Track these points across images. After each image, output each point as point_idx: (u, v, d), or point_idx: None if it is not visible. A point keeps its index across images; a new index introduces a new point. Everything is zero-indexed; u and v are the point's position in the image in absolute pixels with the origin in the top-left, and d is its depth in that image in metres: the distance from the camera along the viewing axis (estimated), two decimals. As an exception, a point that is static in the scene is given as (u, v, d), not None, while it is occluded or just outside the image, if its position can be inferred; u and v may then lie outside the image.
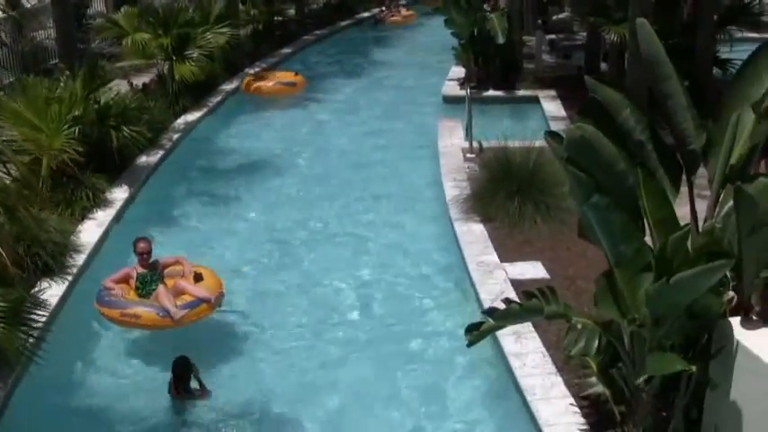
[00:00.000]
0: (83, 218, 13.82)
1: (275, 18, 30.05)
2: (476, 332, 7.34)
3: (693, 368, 6.55)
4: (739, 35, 20.13)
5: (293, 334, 11.05)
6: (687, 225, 6.76)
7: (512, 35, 21.53)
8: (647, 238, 7.15)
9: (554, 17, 29.36)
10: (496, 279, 11.34)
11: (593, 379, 8.24)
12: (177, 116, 19.82)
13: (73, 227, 13.32)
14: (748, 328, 6.69)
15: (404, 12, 35.95)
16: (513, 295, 10.08)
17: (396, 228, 14.27)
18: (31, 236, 11.41)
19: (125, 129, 15.61)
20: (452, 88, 22.03)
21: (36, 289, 11.16)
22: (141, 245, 11.00)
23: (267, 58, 26.80)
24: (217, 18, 22.03)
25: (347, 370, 10.23)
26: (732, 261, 6.17)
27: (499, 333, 9.01)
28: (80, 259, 12.40)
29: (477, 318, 10.03)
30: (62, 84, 15.66)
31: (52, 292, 11.28)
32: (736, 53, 18.79)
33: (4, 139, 9.24)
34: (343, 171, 17.26)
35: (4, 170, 8.49)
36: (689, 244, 6.70)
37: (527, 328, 9.79)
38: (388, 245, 13.62)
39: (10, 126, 13.48)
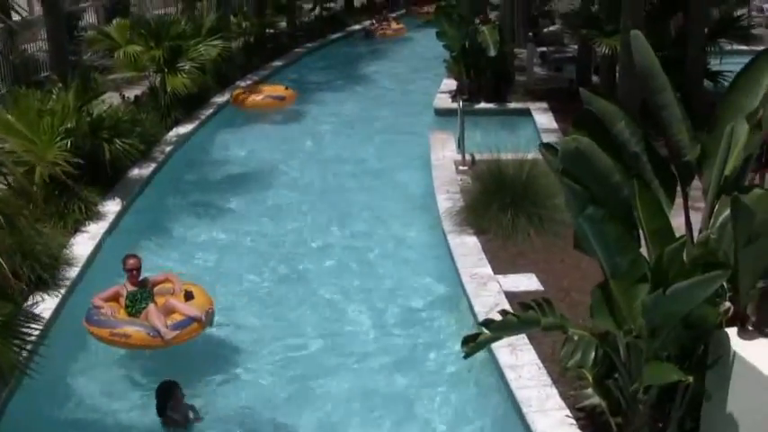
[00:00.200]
0: (75, 230, 13.77)
1: (267, 31, 30.21)
2: (472, 344, 7.32)
3: (690, 378, 6.55)
4: (729, 48, 20.27)
5: (288, 347, 11.01)
6: (683, 236, 6.79)
7: (503, 48, 21.63)
8: (643, 250, 7.17)
9: (545, 30, 29.53)
10: (490, 291, 11.33)
11: (589, 390, 8.22)
12: (169, 129, 19.85)
13: (65, 239, 13.27)
14: (745, 339, 6.70)
15: (394, 25, 36.13)
16: (507, 307, 10.06)
17: (389, 240, 14.26)
18: (24, 248, 11.35)
19: (118, 141, 15.59)
20: (444, 101, 22.11)
21: (30, 302, 11.09)
22: (131, 261, 10.88)
23: (259, 70, 26.91)
24: (209, 30, 22.09)
25: (342, 383, 10.18)
26: (728, 272, 6.19)
27: (494, 345, 8.98)
28: (73, 272, 12.33)
29: (472, 329, 10.14)
30: (54, 96, 15.64)
31: (45, 305, 11.20)
32: (727, 65, 19.00)
33: (6, 150, 9.20)
34: (335, 183, 17.31)
35: (5, 182, 8.45)
36: (684, 255, 6.72)
37: (522, 340, 9.77)
38: (381, 257, 13.62)
39: (2, 138, 13.43)
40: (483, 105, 21.48)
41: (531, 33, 28.22)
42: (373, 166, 18.36)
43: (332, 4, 38.87)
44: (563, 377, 9.09)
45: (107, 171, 15.58)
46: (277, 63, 28.68)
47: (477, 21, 22.43)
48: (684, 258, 6.70)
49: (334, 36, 34.83)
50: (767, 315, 6.81)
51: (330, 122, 22.21)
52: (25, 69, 21.83)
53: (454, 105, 19.42)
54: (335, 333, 11.37)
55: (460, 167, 16.32)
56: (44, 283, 11.69)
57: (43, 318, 10.63)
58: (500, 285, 11.50)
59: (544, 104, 21.00)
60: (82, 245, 13.29)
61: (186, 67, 20.11)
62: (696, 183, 7.74)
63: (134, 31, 20.68)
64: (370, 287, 12.62)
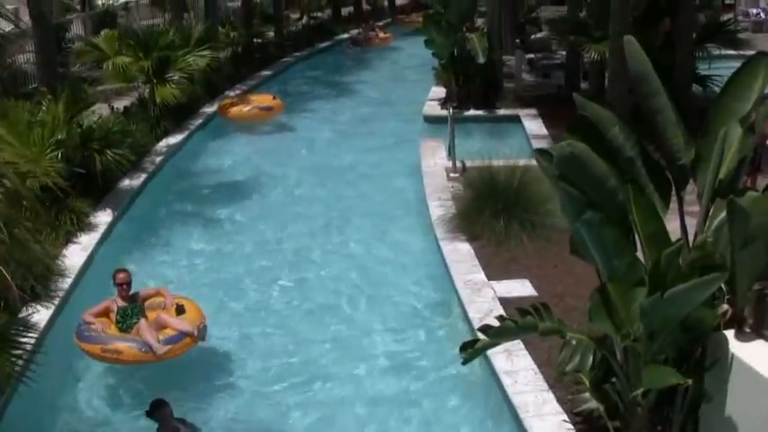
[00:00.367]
0: (67, 242, 13.73)
1: (254, 40, 30.22)
2: (470, 350, 7.35)
3: (690, 381, 6.57)
4: (717, 52, 20.38)
5: (282, 354, 11.00)
6: (680, 240, 6.82)
7: (492, 55, 21.70)
8: (638, 254, 7.20)
9: (532, 37, 29.65)
10: (485, 297, 11.35)
11: (587, 395, 8.25)
12: (159, 139, 19.85)
13: (57, 251, 13.22)
14: (742, 341, 6.74)
15: (381, 34, 36.18)
16: (501, 313, 10.08)
17: (380, 246, 14.30)
18: (19, 259, 11.30)
19: (109, 152, 15.57)
20: (433, 108, 22.17)
21: (24, 313, 11.03)
22: (120, 276, 10.79)
23: (247, 80, 26.95)
24: (197, 41, 22.07)
25: (334, 392, 10.18)
26: (726, 274, 6.23)
27: (490, 351, 8.99)
28: (66, 283, 12.29)
29: (466, 335, 10.18)
30: (44, 107, 15.62)
31: (40, 316, 11.14)
32: (715, 70, 19.12)
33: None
34: (325, 191, 17.30)
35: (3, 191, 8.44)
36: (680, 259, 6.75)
37: (518, 345, 9.79)
38: (373, 264, 13.65)
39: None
40: (472, 112, 21.55)
41: (518, 40, 28.34)
42: (363, 173, 18.37)
43: (319, 14, 38.94)
44: (559, 382, 9.11)
45: (98, 182, 15.55)
46: (265, 72, 28.72)
47: (465, 28, 22.50)
48: (681, 262, 6.73)
49: (322, 45, 34.90)
50: (764, 317, 6.84)
51: (319, 130, 22.23)
52: (13, 81, 21.76)
53: (444, 113, 19.47)
54: (332, 339, 11.37)
55: (451, 174, 16.36)
56: (36, 295, 11.64)
57: (38, 328, 10.59)
58: (494, 291, 11.52)
59: (533, 111, 21.07)
60: (74, 256, 13.25)
61: (175, 78, 20.14)
62: (689, 187, 7.78)
63: (122, 42, 20.66)
64: (362, 293, 12.64)
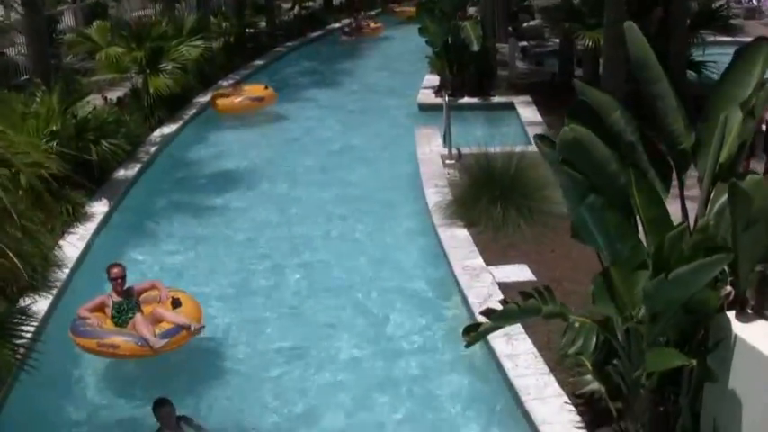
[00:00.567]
0: (63, 232, 13.71)
1: (247, 30, 30.14)
2: (473, 333, 7.38)
3: (694, 362, 6.62)
4: (711, 38, 20.44)
5: (279, 342, 11.02)
6: (683, 223, 6.86)
7: (485, 43, 21.70)
8: (640, 236, 7.24)
9: (524, 24, 29.64)
10: (483, 282, 11.39)
11: (588, 377, 8.30)
12: (153, 129, 19.84)
13: (54, 242, 13.20)
14: (744, 321, 6.78)
15: (372, 24, 36.13)
16: (501, 297, 10.11)
17: (377, 233, 14.32)
18: (16, 249, 11.26)
19: (104, 143, 15.55)
20: (428, 96, 22.18)
21: (23, 304, 11.01)
22: (115, 270, 10.71)
23: (240, 70, 26.92)
24: (190, 31, 22.04)
25: (336, 378, 10.21)
26: (731, 255, 6.27)
27: (490, 335, 9.03)
28: (63, 274, 12.30)
29: (466, 319, 10.22)
30: (38, 99, 15.57)
31: (38, 306, 11.12)
32: (709, 56, 19.18)
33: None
34: (320, 179, 17.29)
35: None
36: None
37: (518, 329, 9.84)
38: (372, 249, 13.68)
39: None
40: (467, 100, 21.56)
41: (511, 28, 28.33)
42: (358, 160, 18.36)
43: (311, 3, 38.86)
44: (560, 365, 9.18)
45: (94, 173, 15.53)
46: (258, 62, 28.68)
47: (458, 17, 22.49)
48: (683, 245, 6.77)
49: (314, 35, 34.85)
50: (766, 298, 6.88)
51: (312, 118, 22.25)
52: (4, 73, 21.68)
53: (438, 101, 19.49)
54: (335, 324, 11.40)
55: (447, 161, 16.38)
56: (34, 286, 11.61)
57: (38, 316, 10.58)
58: (493, 276, 11.57)
59: (527, 98, 21.10)
60: (71, 247, 13.24)
61: (168, 68, 20.11)
62: (689, 171, 7.82)
63: (115, 33, 20.62)
64: (359, 278, 12.70)
